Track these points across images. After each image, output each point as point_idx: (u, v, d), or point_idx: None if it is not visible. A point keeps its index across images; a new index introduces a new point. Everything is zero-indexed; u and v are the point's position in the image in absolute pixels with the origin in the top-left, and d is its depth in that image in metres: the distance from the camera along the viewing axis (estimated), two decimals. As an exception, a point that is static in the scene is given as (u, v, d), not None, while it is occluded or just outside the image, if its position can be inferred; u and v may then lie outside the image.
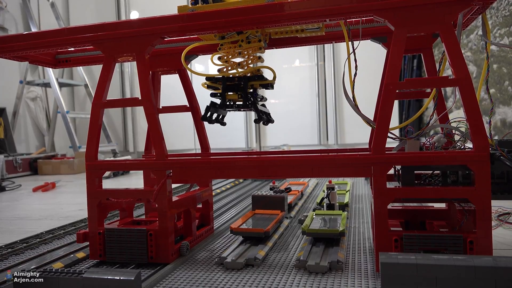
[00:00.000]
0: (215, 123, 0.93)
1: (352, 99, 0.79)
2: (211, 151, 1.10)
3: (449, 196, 0.72)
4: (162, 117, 0.95)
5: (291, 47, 1.01)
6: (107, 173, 2.64)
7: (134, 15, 3.88)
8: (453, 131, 0.79)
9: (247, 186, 1.94)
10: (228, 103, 0.90)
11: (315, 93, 3.53)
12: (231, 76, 0.89)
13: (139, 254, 0.82)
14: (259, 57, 0.89)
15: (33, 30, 3.34)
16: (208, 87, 0.92)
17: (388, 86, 0.72)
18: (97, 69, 1.63)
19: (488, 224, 0.68)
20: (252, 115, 3.44)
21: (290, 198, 1.37)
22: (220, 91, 0.90)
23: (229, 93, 0.89)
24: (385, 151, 0.73)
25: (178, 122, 3.13)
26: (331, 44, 2.09)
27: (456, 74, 0.69)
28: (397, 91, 0.72)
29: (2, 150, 3.21)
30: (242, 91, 0.88)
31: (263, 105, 0.95)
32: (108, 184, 2.51)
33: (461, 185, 0.75)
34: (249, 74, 0.89)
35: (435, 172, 0.80)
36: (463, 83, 0.69)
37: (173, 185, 1.45)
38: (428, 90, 0.94)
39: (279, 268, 0.78)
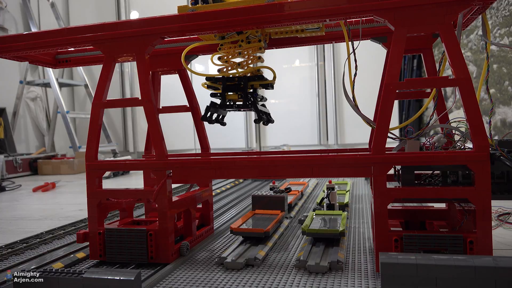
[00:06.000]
0: (215, 123, 0.93)
1: (352, 99, 0.79)
2: (211, 151, 1.10)
3: (449, 196, 0.72)
4: (162, 117, 0.95)
5: (291, 47, 1.01)
6: (107, 173, 2.64)
7: (134, 15, 3.88)
8: (453, 131, 0.79)
9: (247, 186, 1.94)
10: (228, 103, 0.90)
11: (315, 93, 3.53)
12: (231, 76, 0.89)
13: (139, 254, 0.82)
14: (259, 57, 0.89)
15: (33, 30, 3.34)
16: (208, 87, 0.92)
17: (388, 86, 0.72)
18: (97, 69, 1.63)
19: (488, 224, 0.68)
20: (252, 115, 3.44)
21: (290, 198, 1.37)
22: (220, 91, 0.90)
23: (229, 93, 0.89)
24: (385, 151, 0.73)
25: (178, 122, 3.13)
26: (331, 44, 2.09)
27: (456, 74, 0.69)
28: (397, 91, 0.72)
29: (2, 150, 3.21)
30: (242, 91, 0.88)
31: (263, 105, 0.95)
32: (108, 184, 2.51)
33: (461, 185, 0.75)
34: (249, 74, 0.89)
35: (435, 172, 0.80)
36: (463, 83, 0.69)
37: (173, 185, 1.45)
38: (428, 90, 0.94)
39: (279, 268, 0.78)
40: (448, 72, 2.15)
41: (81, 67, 3.73)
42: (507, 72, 2.21)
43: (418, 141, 0.78)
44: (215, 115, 0.92)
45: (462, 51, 1.27)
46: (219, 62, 0.89)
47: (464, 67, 0.69)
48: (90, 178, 0.88)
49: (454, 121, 0.79)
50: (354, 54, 0.80)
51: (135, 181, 2.66)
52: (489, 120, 0.83)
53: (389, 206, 0.82)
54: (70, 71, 4.08)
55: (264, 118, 0.90)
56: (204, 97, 1.03)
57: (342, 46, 3.29)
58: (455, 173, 0.77)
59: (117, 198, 0.91)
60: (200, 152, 1.09)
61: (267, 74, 0.91)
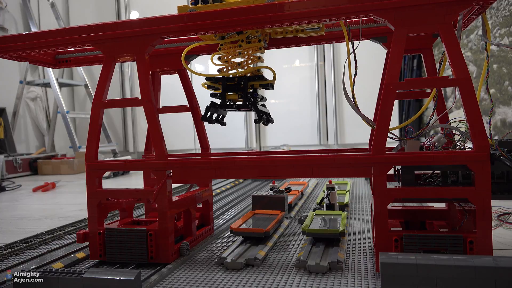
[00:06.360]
0: (215, 123, 0.93)
1: (352, 99, 0.79)
2: (211, 151, 1.10)
3: (449, 196, 0.72)
4: (162, 117, 0.95)
5: (291, 47, 1.01)
6: (107, 173, 2.64)
7: (134, 15, 3.88)
8: (453, 131, 0.79)
9: (247, 186, 1.94)
10: (228, 103, 0.90)
11: (315, 93, 3.53)
12: (231, 76, 0.89)
13: (139, 254, 0.82)
14: (259, 57, 0.89)
15: (33, 30, 3.34)
16: (208, 87, 0.92)
17: (388, 86, 0.72)
18: (97, 69, 1.63)
19: (488, 224, 0.68)
20: (252, 115, 3.44)
21: (290, 198, 1.37)
22: (220, 91, 0.90)
23: (229, 93, 0.89)
24: (385, 151, 0.73)
25: (178, 122, 3.13)
26: (331, 44, 2.09)
27: (456, 74, 0.69)
28: (397, 91, 0.72)
29: (2, 150, 3.21)
30: (242, 91, 0.88)
31: (263, 105, 0.95)
32: (108, 184, 2.51)
33: (461, 185, 0.75)
34: (249, 74, 0.89)
35: (435, 172, 0.80)
36: (463, 83, 0.69)
37: (173, 185, 1.45)
38: (428, 90, 0.94)
39: (279, 268, 0.78)
40: (448, 72, 2.15)
41: (81, 67, 3.73)
42: (507, 72, 2.21)
43: (418, 141, 0.78)
44: (215, 115, 0.92)
45: (462, 51, 1.27)
46: (219, 62, 0.89)
47: (464, 67, 0.69)
48: (90, 178, 0.88)
49: (454, 121, 0.79)
50: (354, 54, 0.80)
51: (135, 181, 2.66)
52: (489, 120, 0.83)
53: (389, 206, 0.82)
54: (70, 71, 4.08)
55: (264, 118, 0.90)
56: (204, 97, 1.03)
57: (342, 46, 3.29)
58: (455, 173, 0.77)
59: (117, 198, 0.91)
60: (200, 152, 1.09)
61: (267, 74, 0.91)
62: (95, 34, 0.85)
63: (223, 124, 0.97)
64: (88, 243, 0.88)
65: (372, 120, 0.81)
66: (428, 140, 0.80)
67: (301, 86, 3.57)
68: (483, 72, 0.75)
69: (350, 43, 0.80)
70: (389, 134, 0.74)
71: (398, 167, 0.80)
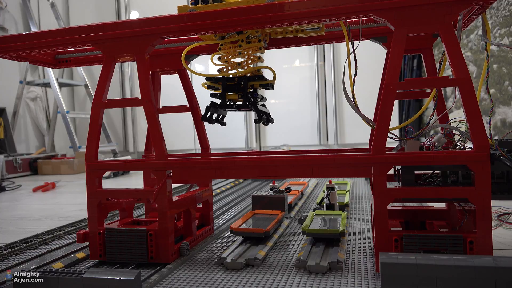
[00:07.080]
0: (215, 123, 0.93)
1: (352, 99, 0.79)
2: (211, 151, 1.10)
3: (449, 196, 0.72)
4: (162, 117, 0.95)
5: (291, 47, 1.01)
6: (107, 173, 2.64)
7: (134, 15, 3.88)
8: (453, 131, 0.79)
9: (247, 186, 1.94)
10: (228, 103, 0.90)
11: (315, 93, 3.53)
12: (231, 76, 0.89)
13: (139, 254, 0.82)
14: (259, 57, 0.89)
15: (33, 30, 3.34)
16: (208, 87, 0.92)
17: (388, 86, 0.72)
18: (97, 69, 1.63)
19: (488, 224, 0.68)
20: (252, 115, 3.44)
21: (290, 198, 1.37)
22: (220, 91, 0.90)
23: (229, 93, 0.89)
24: (385, 151, 0.73)
25: (178, 122, 3.13)
26: (331, 44, 2.09)
27: (456, 74, 0.69)
28: (397, 91, 0.72)
29: (2, 150, 3.21)
30: (242, 91, 0.88)
31: (263, 105, 0.95)
32: (108, 184, 2.51)
33: (461, 185, 0.75)
34: (249, 74, 0.89)
35: (435, 172, 0.80)
36: (463, 83, 0.69)
37: (173, 185, 1.45)
38: (428, 90, 0.94)
39: (279, 268, 0.78)
40: (448, 72, 2.15)
41: (81, 67, 3.73)
42: (507, 72, 2.21)
43: (418, 141, 0.78)
44: (215, 115, 0.92)
45: (462, 51, 1.27)
46: (219, 62, 0.89)
47: (464, 67, 0.69)
48: (90, 178, 0.88)
49: (454, 121, 0.79)
50: (354, 54, 0.80)
51: (135, 181, 2.66)
52: (489, 120, 0.83)
53: (389, 206, 0.82)
54: (70, 71, 4.08)
55: (264, 118, 0.90)
56: (204, 97, 1.03)
57: (342, 46, 3.29)
58: (455, 173, 0.77)
59: (117, 198, 0.91)
60: (200, 152, 1.09)
61: (267, 74, 0.91)
62: (95, 34, 0.85)
63: (223, 124, 0.97)
64: (88, 243, 0.88)
65: (372, 120, 0.81)
66: (428, 140, 0.80)
67: (301, 86, 3.57)
68: (483, 72, 0.75)
69: (350, 43, 0.80)
70: (389, 134, 0.74)
71: (398, 167, 0.80)
